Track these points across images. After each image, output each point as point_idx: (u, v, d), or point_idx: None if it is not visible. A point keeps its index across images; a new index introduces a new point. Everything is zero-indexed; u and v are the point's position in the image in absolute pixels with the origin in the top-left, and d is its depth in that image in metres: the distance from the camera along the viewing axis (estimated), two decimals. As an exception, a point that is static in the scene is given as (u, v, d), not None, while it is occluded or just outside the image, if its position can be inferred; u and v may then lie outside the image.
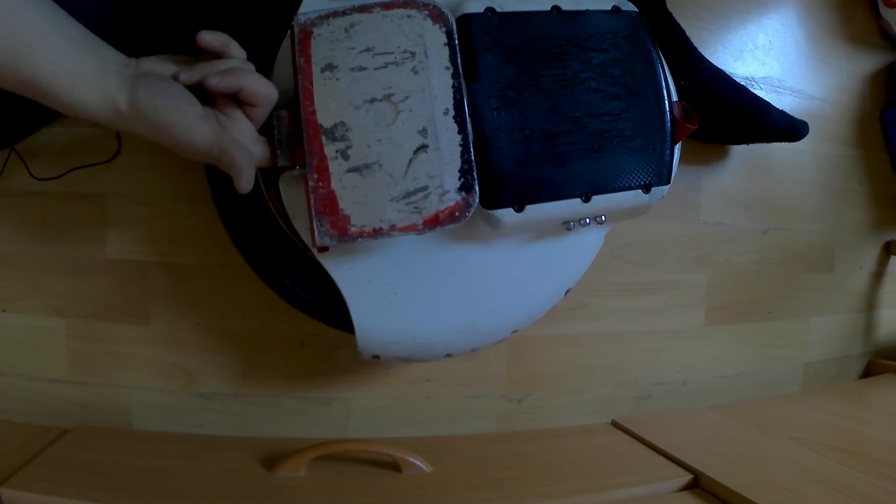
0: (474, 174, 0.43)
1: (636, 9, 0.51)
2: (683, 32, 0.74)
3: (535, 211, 0.46)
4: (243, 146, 0.40)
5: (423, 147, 0.43)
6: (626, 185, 0.49)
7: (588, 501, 0.51)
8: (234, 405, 0.67)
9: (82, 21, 0.37)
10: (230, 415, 0.67)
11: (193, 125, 0.37)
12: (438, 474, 0.54)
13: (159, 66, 0.39)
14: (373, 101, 0.43)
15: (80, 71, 0.35)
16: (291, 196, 0.46)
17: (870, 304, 0.97)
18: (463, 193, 0.43)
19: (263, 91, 0.41)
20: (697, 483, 0.55)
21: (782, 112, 0.77)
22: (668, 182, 0.50)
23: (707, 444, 0.64)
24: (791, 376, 0.91)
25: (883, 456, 0.58)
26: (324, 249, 0.46)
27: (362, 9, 0.43)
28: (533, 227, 0.49)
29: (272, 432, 0.68)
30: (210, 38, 0.40)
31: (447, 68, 0.44)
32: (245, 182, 0.40)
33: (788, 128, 0.76)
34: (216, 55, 0.41)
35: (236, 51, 0.42)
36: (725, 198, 0.84)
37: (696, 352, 0.84)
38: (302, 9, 0.46)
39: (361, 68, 0.43)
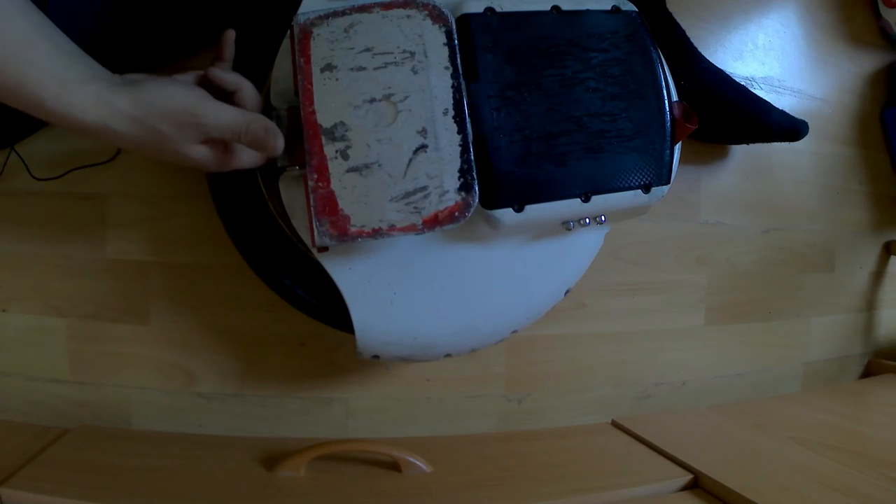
0: (474, 174, 0.43)
1: (636, 9, 0.51)
2: (683, 32, 0.74)
3: (534, 211, 0.46)
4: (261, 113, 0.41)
5: (423, 147, 0.43)
6: (626, 185, 0.49)
7: (588, 501, 0.51)
8: (234, 405, 0.67)
9: (73, 33, 0.37)
10: (230, 415, 0.67)
11: (217, 104, 0.38)
12: (438, 474, 0.54)
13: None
14: (372, 101, 0.43)
15: (68, 75, 0.34)
16: (291, 196, 0.46)
17: (870, 304, 0.97)
18: (462, 193, 0.43)
19: (257, 97, 0.42)
20: (697, 483, 0.55)
21: (782, 112, 0.77)
22: (667, 182, 0.50)
23: (707, 444, 0.64)
24: (791, 376, 0.91)
25: (883, 456, 0.58)
26: (323, 249, 0.46)
27: (362, 9, 0.43)
28: (533, 227, 0.49)
29: (272, 432, 0.68)
30: (231, 41, 0.42)
31: (447, 68, 0.44)
32: (281, 140, 0.40)
33: (788, 128, 0.76)
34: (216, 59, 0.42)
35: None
36: (725, 198, 0.84)
37: (696, 352, 0.84)
38: (302, 9, 0.46)
39: (361, 68, 0.43)
